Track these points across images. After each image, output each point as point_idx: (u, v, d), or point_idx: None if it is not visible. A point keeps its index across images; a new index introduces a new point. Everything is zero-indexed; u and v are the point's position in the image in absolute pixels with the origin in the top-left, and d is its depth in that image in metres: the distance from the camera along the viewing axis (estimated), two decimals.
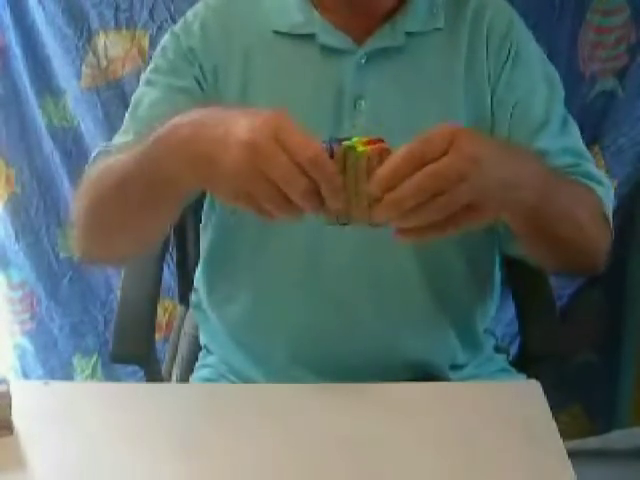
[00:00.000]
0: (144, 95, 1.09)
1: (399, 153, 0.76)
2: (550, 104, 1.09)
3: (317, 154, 0.75)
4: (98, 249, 1.06)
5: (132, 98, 1.12)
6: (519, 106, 1.07)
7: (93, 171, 1.00)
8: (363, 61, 1.05)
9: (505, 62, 1.07)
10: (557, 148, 1.06)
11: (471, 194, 0.76)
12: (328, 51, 1.06)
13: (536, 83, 1.09)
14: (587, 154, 1.11)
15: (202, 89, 1.07)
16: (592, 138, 1.64)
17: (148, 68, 1.13)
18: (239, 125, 0.77)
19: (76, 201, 1.04)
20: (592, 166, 1.09)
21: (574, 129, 1.12)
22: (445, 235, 0.78)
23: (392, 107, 1.06)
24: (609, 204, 1.07)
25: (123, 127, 1.09)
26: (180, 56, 1.08)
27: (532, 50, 1.12)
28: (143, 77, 1.12)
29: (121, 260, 1.16)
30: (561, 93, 1.12)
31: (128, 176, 0.92)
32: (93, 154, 1.07)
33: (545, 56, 1.14)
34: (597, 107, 1.63)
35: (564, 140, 1.08)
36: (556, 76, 1.13)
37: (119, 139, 1.07)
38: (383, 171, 0.75)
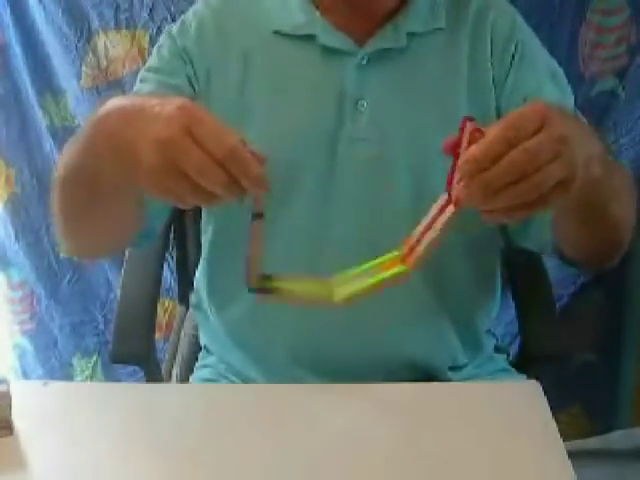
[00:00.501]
0: (137, 92, 1.09)
1: (492, 132, 0.73)
2: (559, 101, 1.08)
3: (232, 146, 0.73)
4: (75, 243, 1.05)
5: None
6: (528, 102, 1.06)
7: (57, 167, 0.99)
8: (364, 62, 1.05)
9: (511, 63, 1.07)
10: None
11: (562, 171, 0.74)
12: (329, 52, 1.06)
13: (543, 81, 1.09)
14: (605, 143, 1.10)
15: (194, 89, 1.07)
16: None
17: (144, 66, 1.13)
18: (152, 119, 0.76)
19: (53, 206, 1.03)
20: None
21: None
22: (534, 213, 0.77)
23: (393, 108, 1.05)
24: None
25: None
26: (174, 55, 1.09)
27: (536, 49, 1.12)
28: (139, 75, 1.12)
29: (102, 253, 1.17)
30: (568, 88, 1.12)
31: (74, 167, 0.91)
32: None
33: (548, 54, 1.14)
34: (597, 107, 1.62)
35: None
36: (560, 72, 1.12)
37: None
38: (476, 150, 0.73)
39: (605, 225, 0.97)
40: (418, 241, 0.83)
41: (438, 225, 0.81)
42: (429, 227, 0.82)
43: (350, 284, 0.86)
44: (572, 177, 0.75)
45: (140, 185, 0.78)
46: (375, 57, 1.05)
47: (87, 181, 0.89)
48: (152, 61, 1.11)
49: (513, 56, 1.08)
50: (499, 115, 1.07)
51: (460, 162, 0.75)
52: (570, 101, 1.11)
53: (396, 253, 0.85)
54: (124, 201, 0.94)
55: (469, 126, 0.75)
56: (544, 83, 1.09)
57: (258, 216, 0.82)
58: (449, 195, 0.79)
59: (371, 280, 0.85)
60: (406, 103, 1.06)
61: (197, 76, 1.07)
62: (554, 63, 1.13)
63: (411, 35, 1.06)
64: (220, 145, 0.73)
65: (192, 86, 1.07)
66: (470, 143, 0.75)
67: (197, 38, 1.09)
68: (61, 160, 0.97)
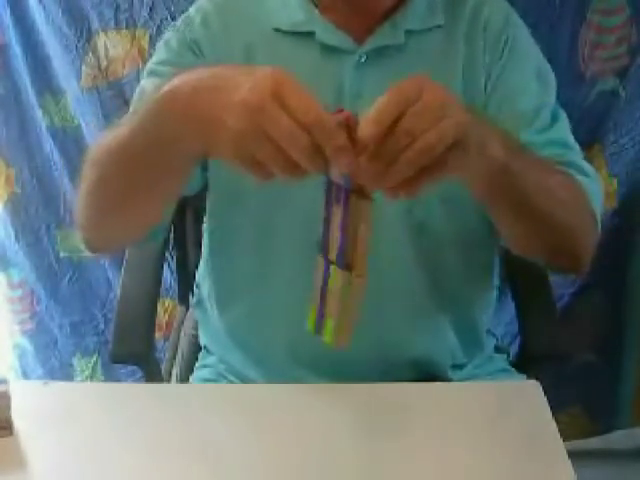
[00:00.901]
0: (147, 84, 1.08)
1: (376, 106, 0.74)
2: (540, 101, 1.08)
3: (318, 114, 0.73)
4: (97, 234, 1.05)
5: (136, 91, 1.12)
6: (508, 102, 1.06)
7: (90, 154, 0.98)
8: (362, 60, 1.05)
9: (500, 57, 1.07)
10: (543, 140, 1.06)
11: (451, 129, 0.75)
12: (328, 50, 1.06)
13: (527, 80, 1.09)
14: (576, 147, 1.10)
15: None
16: (592, 138, 1.64)
17: (151, 60, 1.12)
18: (239, 85, 0.76)
19: (78, 188, 1.02)
20: (579, 158, 1.09)
21: (563, 124, 1.11)
22: (435, 179, 0.77)
23: None
24: (596, 199, 1.06)
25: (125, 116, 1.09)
26: (184, 46, 1.08)
27: (527, 47, 1.11)
28: (146, 69, 1.12)
29: (121, 245, 1.17)
30: (553, 91, 1.12)
31: (128, 146, 0.90)
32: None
33: (541, 54, 1.14)
34: (598, 107, 1.62)
35: (551, 133, 1.08)
36: (550, 75, 1.12)
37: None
38: (368, 120, 0.74)
39: (552, 231, 0.98)
40: (343, 247, 0.77)
41: (357, 221, 0.76)
42: (345, 228, 0.77)
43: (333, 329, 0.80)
44: (464, 137, 0.76)
45: (220, 152, 0.78)
46: (373, 55, 1.05)
47: (138, 161, 0.89)
48: (160, 54, 1.10)
49: (503, 50, 1.07)
50: (485, 110, 1.07)
51: (358, 146, 0.73)
52: (551, 100, 1.11)
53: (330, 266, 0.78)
54: (163, 188, 0.94)
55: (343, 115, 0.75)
56: (528, 84, 1.08)
57: (356, 193, 0.76)
58: (345, 192, 0.76)
59: (346, 313, 0.79)
60: None
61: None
62: (546, 66, 1.13)
63: (409, 33, 1.06)
64: (308, 113, 0.73)
65: None
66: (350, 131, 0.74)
67: (204, 31, 1.09)
68: (100, 144, 0.96)
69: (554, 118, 1.09)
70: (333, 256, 0.77)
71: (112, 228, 1.02)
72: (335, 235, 0.77)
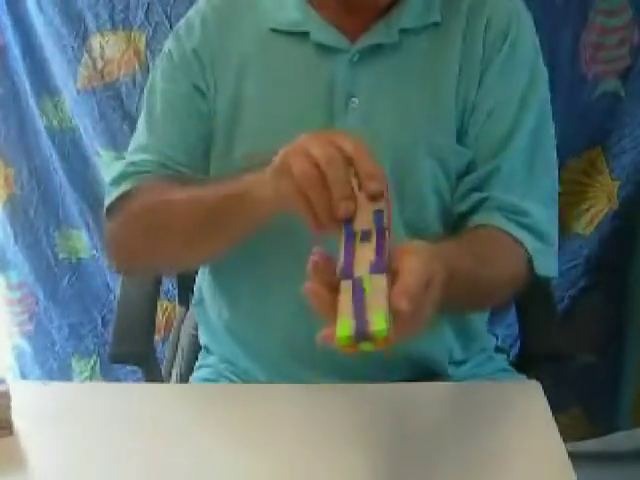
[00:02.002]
0: (159, 100, 1.11)
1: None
2: (517, 124, 1.06)
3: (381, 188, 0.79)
4: (142, 267, 1.14)
5: (144, 103, 1.13)
6: (491, 117, 1.05)
7: (144, 196, 1.04)
8: (355, 59, 1.05)
9: (499, 52, 1.05)
10: (521, 190, 1.05)
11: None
12: (322, 49, 1.06)
13: (510, 98, 1.06)
14: (549, 200, 1.09)
15: (208, 87, 1.09)
16: (594, 139, 1.64)
17: (156, 75, 1.13)
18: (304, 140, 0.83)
19: (119, 222, 1.07)
20: (542, 215, 1.06)
21: (546, 167, 1.09)
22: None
23: (384, 105, 1.05)
24: (541, 259, 1.05)
25: (140, 140, 1.11)
26: (186, 62, 1.10)
27: (524, 53, 1.08)
28: (155, 77, 1.13)
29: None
30: (536, 104, 1.08)
31: (204, 219, 0.97)
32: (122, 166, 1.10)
33: (539, 65, 1.10)
34: (600, 108, 1.62)
35: (530, 181, 1.06)
36: (540, 93, 1.09)
37: (141, 155, 1.09)
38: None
39: (477, 294, 1.00)
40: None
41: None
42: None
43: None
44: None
45: (286, 194, 0.82)
46: (367, 54, 1.05)
47: (215, 221, 0.97)
48: (164, 70, 1.12)
49: (501, 48, 1.05)
50: (471, 116, 1.06)
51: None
52: (528, 127, 1.07)
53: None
54: (236, 237, 1.00)
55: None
56: (510, 103, 1.06)
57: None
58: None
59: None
60: (397, 99, 1.05)
61: (205, 76, 1.09)
62: (539, 73, 1.09)
63: (404, 31, 1.05)
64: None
65: (207, 85, 1.09)
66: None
67: (202, 32, 1.10)
68: (160, 201, 1.02)
69: (532, 151, 1.07)
70: (363, 271, 0.76)
71: (165, 266, 1.14)
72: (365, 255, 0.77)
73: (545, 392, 0.96)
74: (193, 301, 1.25)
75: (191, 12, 1.13)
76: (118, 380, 1.92)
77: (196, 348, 1.30)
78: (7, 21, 1.70)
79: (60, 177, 1.82)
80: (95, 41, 1.69)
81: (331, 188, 0.78)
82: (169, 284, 1.76)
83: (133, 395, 1.01)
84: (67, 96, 1.75)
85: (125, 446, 0.89)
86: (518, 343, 1.31)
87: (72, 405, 0.97)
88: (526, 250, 1.04)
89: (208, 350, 1.23)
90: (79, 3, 1.66)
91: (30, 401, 0.95)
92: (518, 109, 1.07)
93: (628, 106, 1.61)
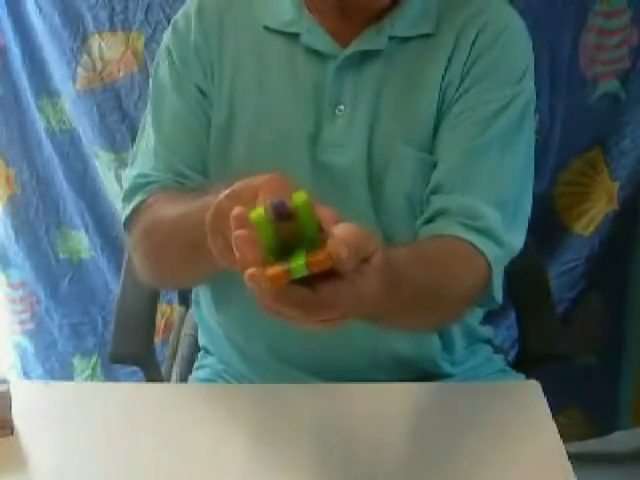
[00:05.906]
0: (166, 105, 1.09)
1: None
2: (485, 129, 1.02)
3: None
4: (164, 282, 1.16)
5: (149, 108, 1.11)
6: (458, 118, 1.02)
7: (150, 213, 1.02)
8: (342, 64, 1.03)
9: (471, 71, 1.03)
10: (485, 195, 1.00)
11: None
12: (311, 53, 1.05)
13: (483, 106, 1.03)
14: (509, 205, 1.03)
15: (208, 88, 1.08)
16: (594, 140, 1.64)
17: (157, 75, 1.12)
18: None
19: (134, 240, 1.06)
20: (501, 220, 1.01)
21: (508, 166, 1.03)
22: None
23: (368, 111, 1.04)
24: (498, 261, 1.00)
25: (149, 147, 1.09)
26: (186, 59, 1.08)
27: (504, 74, 1.05)
28: (157, 80, 1.11)
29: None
30: (510, 123, 1.04)
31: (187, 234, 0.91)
32: (130, 175, 1.09)
33: (524, 85, 1.05)
34: (599, 109, 1.62)
35: (493, 186, 1.02)
36: (518, 110, 1.04)
37: (151, 164, 1.07)
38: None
39: (429, 307, 0.92)
40: None
41: None
42: None
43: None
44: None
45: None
46: (354, 60, 1.04)
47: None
48: (163, 70, 1.10)
49: (481, 62, 1.03)
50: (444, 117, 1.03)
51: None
52: (497, 135, 1.03)
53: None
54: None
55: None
56: (484, 106, 1.02)
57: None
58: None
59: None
60: (380, 107, 1.04)
61: (206, 75, 1.08)
62: (523, 92, 1.04)
63: (393, 39, 1.04)
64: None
65: (208, 83, 1.08)
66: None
67: (199, 25, 1.08)
68: (157, 220, 1.00)
69: (500, 159, 1.02)
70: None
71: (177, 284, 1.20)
72: None
73: (544, 392, 0.96)
74: (192, 301, 1.25)
75: (189, 3, 1.11)
76: (119, 379, 1.92)
77: (195, 349, 1.30)
78: (7, 22, 1.70)
79: (60, 177, 1.82)
80: (94, 42, 1.69)
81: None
82: None
83: (133, 395, 1.01)
84: (66, 97, 1.75)
85: (125, 446, 0.89)
86: (517, 346, 1.31)
87: (72, 405, 0.97)
88: (486, 258, 0.98)
89: (207, 351, 1.23)
90: (78, 4, 1.66)
91: (31, 401, 0.95)
92: (489, 119, 1.02)
93: (628, 107, 1.61)
